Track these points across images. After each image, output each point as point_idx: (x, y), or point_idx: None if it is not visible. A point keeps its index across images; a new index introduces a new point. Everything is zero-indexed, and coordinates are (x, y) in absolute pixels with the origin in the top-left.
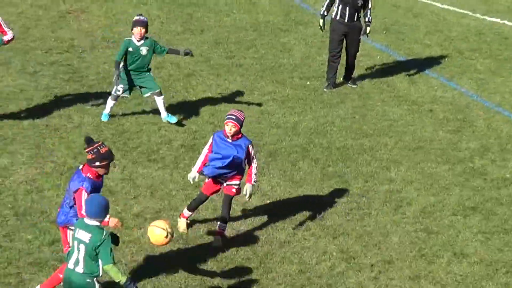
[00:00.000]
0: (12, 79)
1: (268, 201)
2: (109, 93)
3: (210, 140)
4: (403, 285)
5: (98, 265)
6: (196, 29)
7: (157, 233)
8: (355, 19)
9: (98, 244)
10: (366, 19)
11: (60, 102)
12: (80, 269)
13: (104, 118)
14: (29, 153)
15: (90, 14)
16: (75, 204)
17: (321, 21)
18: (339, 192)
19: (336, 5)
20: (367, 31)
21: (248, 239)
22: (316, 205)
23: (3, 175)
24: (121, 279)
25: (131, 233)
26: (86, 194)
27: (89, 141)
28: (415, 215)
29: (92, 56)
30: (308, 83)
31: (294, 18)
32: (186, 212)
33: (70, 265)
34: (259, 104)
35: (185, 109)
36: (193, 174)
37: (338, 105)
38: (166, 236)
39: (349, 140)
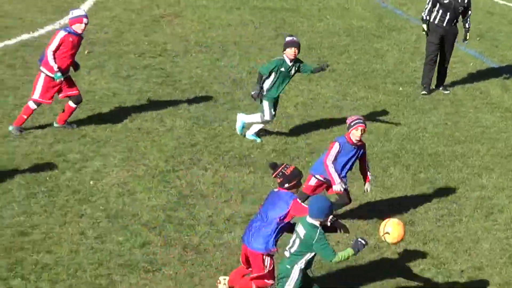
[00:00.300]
0: (106, 82)
1: (358, 206)
2: (201, 98)
3: (337, 148)
4: None
5: (301, 258)
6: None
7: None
8: (453, 24)
9: (312, 242)
10: (466, 25)
11: (153, 105)
12: (286, 255)
13: (244, 132)
14: (121, 156)
15: (183, 18)
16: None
17: (424, 26)
18: (430, 198)
19: (436, 9)
20: (467, 37)
21: (337, 243)
22: (407, 211)
23: (95, 178)
24: (350, 254)
25: (221, 237)
26: (299, 199)
27: (273, 166)
28: (507, 222)
29: (185, 61)
30: (400, 89)
31: (387, 24)
32: None
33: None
34: (352, 110)
35: (277, 114)
36: (338, 186)
37: (430, 111)
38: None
39: (441, 146)
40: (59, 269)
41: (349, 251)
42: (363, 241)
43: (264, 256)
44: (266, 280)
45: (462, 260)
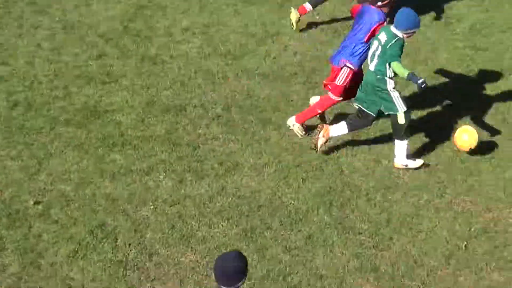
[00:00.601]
0: None
1: (317, 18)
2: None
3: None
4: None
5: (387, 70)
6: None
7: (464, 139)
8: None
9: (389, 44)
10: None
11: None
12: (372, 67)
13: None
14: None
15: None
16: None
17: None
18: None
19: None
20: None
21: (296, 54)
22: None
23: None
24: (404, 74)
25: (179, 48)
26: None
27: None
28: (465, 32)
29: None
30: None
31: None
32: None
33: (369, 65)
34: None
35: None
36: None
37: None
38: (469, 147)
39: None
40: (14, 80)
41: (406, 72)
42: (421, 81)
43: (343, 69)
44: (333, 95)
45: (421, 69)
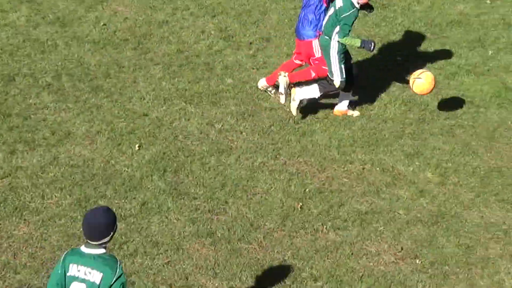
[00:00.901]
0: None
1: None
2: None
3: None
4: (279, 61)
5: (333, 30)
6: None
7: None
8: None
9: (343, 13)
10: None
11: None
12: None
13: None
14: None
15: None
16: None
17: None
18: None
19: None
20: None
21: (126, 20)
22: None
23: None
24: (356, 44)
25: (6, 16)
26: None
27: None
28: None
29: None
30: None
31: None
32: None
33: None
34: None
35: None
36: None
37: None
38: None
39: None
40: None
41: (358, 41)
42: (372, 44)
43: (314, 42)
44: (323, 66)
45: (250, 32)
